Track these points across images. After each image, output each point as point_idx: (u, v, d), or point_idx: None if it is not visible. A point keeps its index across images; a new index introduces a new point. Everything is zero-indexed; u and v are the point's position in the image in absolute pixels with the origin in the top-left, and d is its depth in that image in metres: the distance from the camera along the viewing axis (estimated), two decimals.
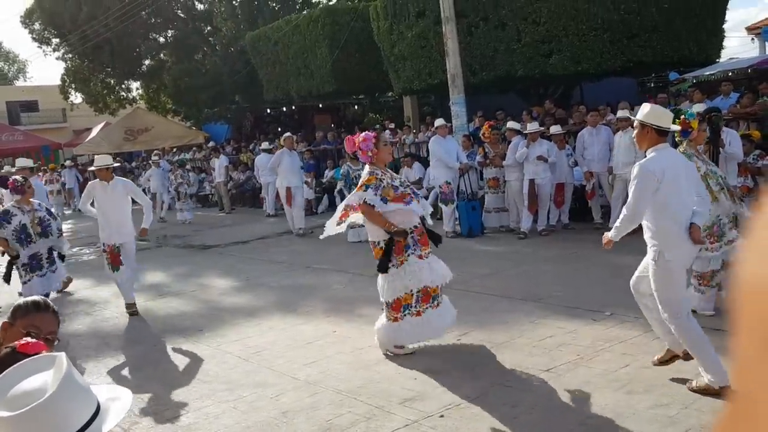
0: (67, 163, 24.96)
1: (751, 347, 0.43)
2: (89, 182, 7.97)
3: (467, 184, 11.06)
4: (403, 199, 5.37)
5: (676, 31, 12.52)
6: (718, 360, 4.08)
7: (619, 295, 5.64)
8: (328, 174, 16.43)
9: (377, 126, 17.38)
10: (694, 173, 4.56)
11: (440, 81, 13.96)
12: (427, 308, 5.42)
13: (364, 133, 5.66)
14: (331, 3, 24.27)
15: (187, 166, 19.25)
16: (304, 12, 20.97)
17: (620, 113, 9.74)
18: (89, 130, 31.05)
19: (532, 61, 13.09)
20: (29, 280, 7.44)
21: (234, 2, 25.53)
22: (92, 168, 8.02)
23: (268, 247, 11.64)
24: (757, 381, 0.42)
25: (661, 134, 4.33)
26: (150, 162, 19.45)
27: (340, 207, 5.77)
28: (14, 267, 7.45)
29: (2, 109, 38.65)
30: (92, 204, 7.81)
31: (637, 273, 4.53)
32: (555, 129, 10.62)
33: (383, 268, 5.35)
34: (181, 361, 5.91)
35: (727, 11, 14.18)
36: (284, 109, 25.30)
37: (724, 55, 17.09)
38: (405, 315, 5.40)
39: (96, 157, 8.12)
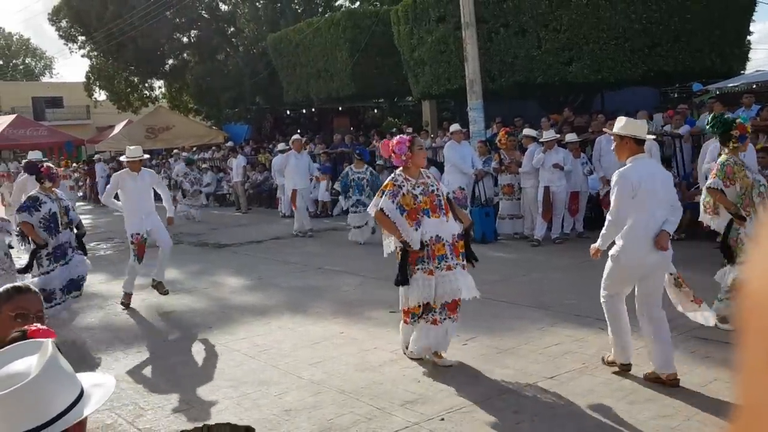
0: (96, 157, 25.42)
1: (756, 361, 0.42)
2: (114, 174, 8.03)
3: (482, 190, 11.03)
4: (418, 212, 5.14)
5: (698, 42, 12.42)
6: (629, 345, 4.72)
7: (629, 305, 5.59)
8: None
9: (399, 128, 17.39)
10: (670, 183, 4.84)
11: (459, 86, 13.97)
12: (445, 319, 5.19)
13: (398, 137, 5.47)
14: (353, 6, 24.38)
15: (194, 166, 19.29)
16: (326, 15, 21.07)
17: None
18: (112, 127, 31.44)
19: (552, 69, 13.05)
20: (51, 270, 7.05)
21: (257, 4, 25.74)
22: (124, 158, 8.08)
23: (281, 248, 11.70)
24: (761, 395, 0.41)
25: (639, 144, 4.61)
26: (170, 160, 19.83)
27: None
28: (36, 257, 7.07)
29: (28, 105, 39.31)
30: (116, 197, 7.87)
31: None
32: (570, 137, 10.57)
33: (402, 281, 5.15)
34: (188, 357, 5.97)
35: (752, 23, 14.06)
36: (304, 111, 25.44)
37: (751, 68, 16.92)
38: (415, 321, 5.28)
39: (128, 148, 8.19)
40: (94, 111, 37.82)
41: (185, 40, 27.61)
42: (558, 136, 10.58)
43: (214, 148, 23.76)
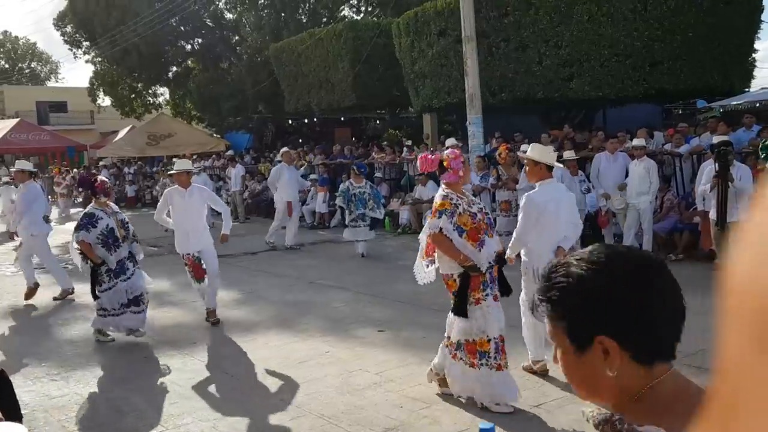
0: (101, 164, 25.41)
1: (738, 348, 0.42)
2: (166, 189, 7.78)
3: None
4: (479, 232, 4.68)
5: (700, 59, 12.32)
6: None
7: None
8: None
9: (399, 141, 17.30)
10: (573, 204, 5.42)
11: (459, 100, 13.88)
12: (506, 362, 4.75)
13: (449, 150, 5.03)
14: (356, 18, 24.37)
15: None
16: (329, 26, 21.05)
17: (636, 141, 9.56)
18: (116, 132, 31.44)
19: (552, 84, 12.96)
20: (113, 286, 6.79)
21: (261, 13, 25.74)
22: (172, 172, 7.86)
23: (276, 260, 11.57)
24: (742, 382, 0.41)
25: (550, 170, 5.19)
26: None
27: (423, 239, 5.00)
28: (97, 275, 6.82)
29: (32, 109, 39.33)
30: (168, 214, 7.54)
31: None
32: (568, 155, 10.45)
33: (461, 311, 4.63)
34: (168, 375, 5.83)
35: (757, 40, 13.95)
36: (305, 120, 25.38)
37: (756, 85, 16.76)
38: (482, 364, 4.68)
39: (176, 161, 8.01)
40: (98, 116, 37.90)
41: (189, 47, 27.63)
42: (555, 153, 10.45)
43: (213, 156, 23.71)
